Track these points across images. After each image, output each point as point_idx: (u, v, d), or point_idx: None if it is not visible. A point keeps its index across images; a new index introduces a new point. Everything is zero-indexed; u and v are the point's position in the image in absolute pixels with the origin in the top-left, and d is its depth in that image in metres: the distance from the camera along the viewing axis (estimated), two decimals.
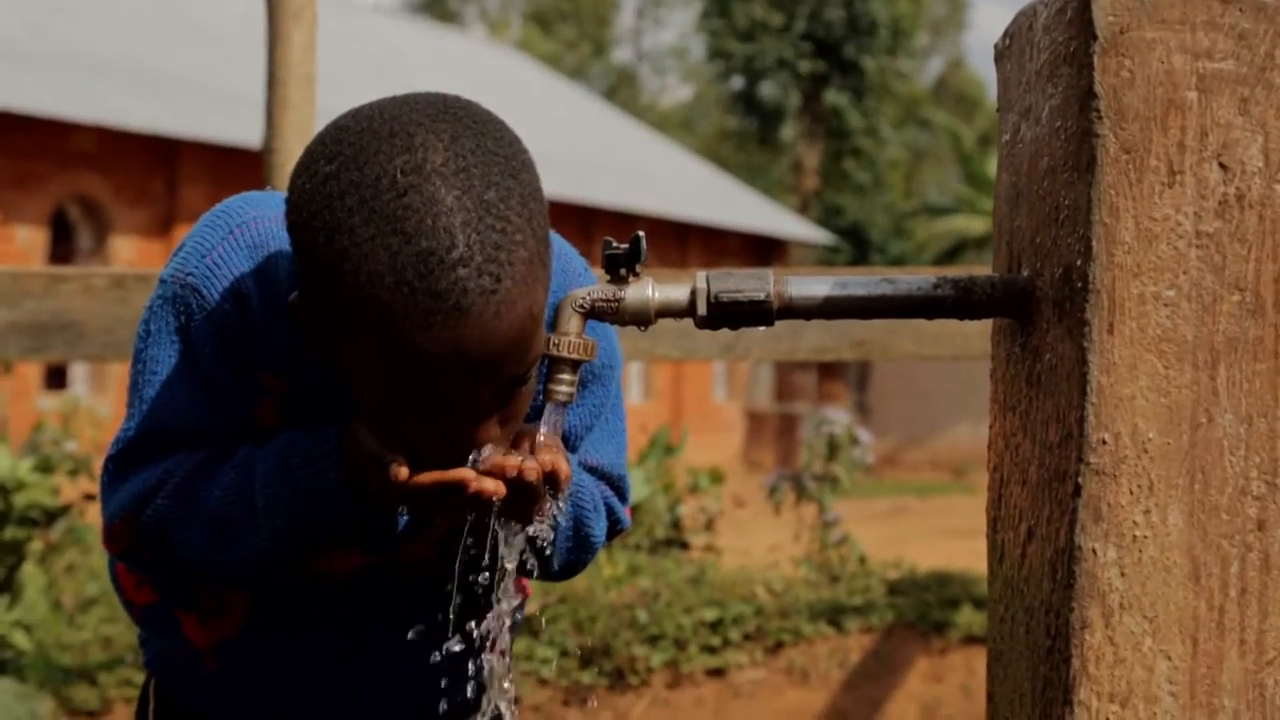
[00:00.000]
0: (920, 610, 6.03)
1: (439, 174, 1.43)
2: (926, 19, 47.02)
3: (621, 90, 50.81)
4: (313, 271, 1.49)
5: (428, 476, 1.50)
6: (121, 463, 1.68)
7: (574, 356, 1.51)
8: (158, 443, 1.66)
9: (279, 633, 1.76)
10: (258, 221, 1.66)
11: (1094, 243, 1.25)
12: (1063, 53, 1.28)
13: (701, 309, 1.44)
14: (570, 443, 1.74)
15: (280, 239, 1.61)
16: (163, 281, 1.66)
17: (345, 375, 1.54)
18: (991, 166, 32.77)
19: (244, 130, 17.52)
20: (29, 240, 17.52)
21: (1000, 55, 1.47)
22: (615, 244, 1.48)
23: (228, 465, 1.63)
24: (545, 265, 1.49)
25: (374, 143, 1.45)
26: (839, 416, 8.93)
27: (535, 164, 1.53)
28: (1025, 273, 1.39)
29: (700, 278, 1.45)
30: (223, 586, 1.74)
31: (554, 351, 1.51)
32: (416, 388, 1.48)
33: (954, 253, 32.88)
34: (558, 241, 1.69)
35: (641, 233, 1.49)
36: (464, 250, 1.41)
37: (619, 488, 1.80)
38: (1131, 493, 1.26)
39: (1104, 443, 1.26)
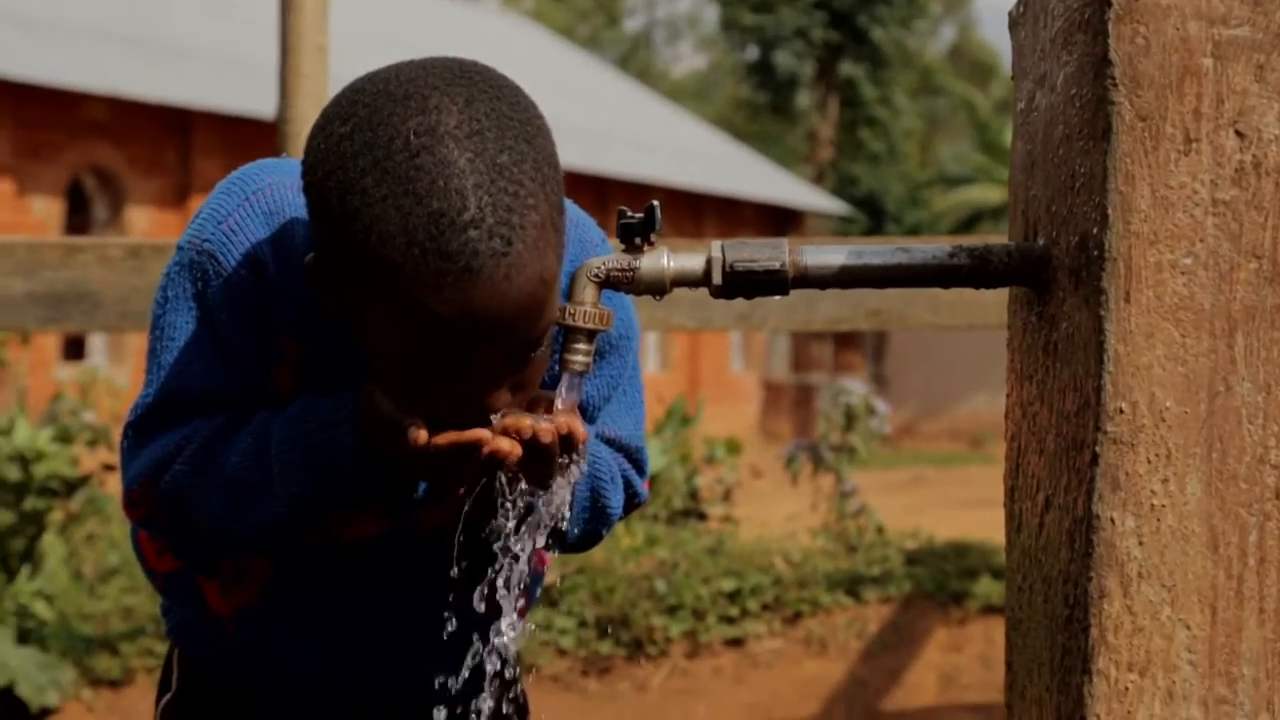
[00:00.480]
0: (938, 580, 6.03)
1: (452, 136, 1.43)
2: None
3: (635, 59, 50.71)
4: (327, 232, 1.49)
5: (444, 438, 1.50)
6: (140, 429, 1.68)
7: (590, 326, 1.51)
8: (176, 408, 1.67)
9: (298, 599, 1.77)
10: (273, 188, 1.67)
11: (1110, 211, 1.25)
12: (1077, 20, 1.28)
13: (717, 278, 1.44)
14: (588, 414, 1.73)
15: (296, 205, 1.62)
16: (180, 248, 1.67)
17: (360, 338, 1.55)
18: (1007, 135, 32.67)
19: (257, 100, 17.51)
20: (45, 211, 17.54)
21: (1015, 22, 1.46)
22: (630, 213, 1.48)
23: (245, 431, 1.63)
24: (558, 230, 1.49)
25: (389, 105, 1.45)
26: (856, 387, 8.92)
27: (551, 130, 1.52)
28: (1041, 241, 1.39)
29: (715, 247, 1.45)
30: (243, 553, 1.74)
31: (569, 321, 1.51)
32: (428, 350, 1.48)
33: (970, 222, 32.78)
34: (574, 211, 1.70)
35: (656, 202, 1.49)
36: (475, 212, 1.41)
37: (636, 460, 1.80)
38: (1149, 461, 1.26)
39: (1121, 411, 1.25)
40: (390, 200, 1.42)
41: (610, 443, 1.76)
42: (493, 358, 1.49)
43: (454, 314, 1.44)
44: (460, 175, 1.42)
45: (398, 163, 1.42)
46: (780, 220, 28.06)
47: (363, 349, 1.56)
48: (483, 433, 1.49)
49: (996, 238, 1.60)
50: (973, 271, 1.41)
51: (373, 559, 1.75)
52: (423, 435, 1.49)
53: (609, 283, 1.48)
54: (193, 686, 1.88)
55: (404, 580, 1.77)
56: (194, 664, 1.87)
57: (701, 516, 7.87)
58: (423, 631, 1.75)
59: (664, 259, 1.47)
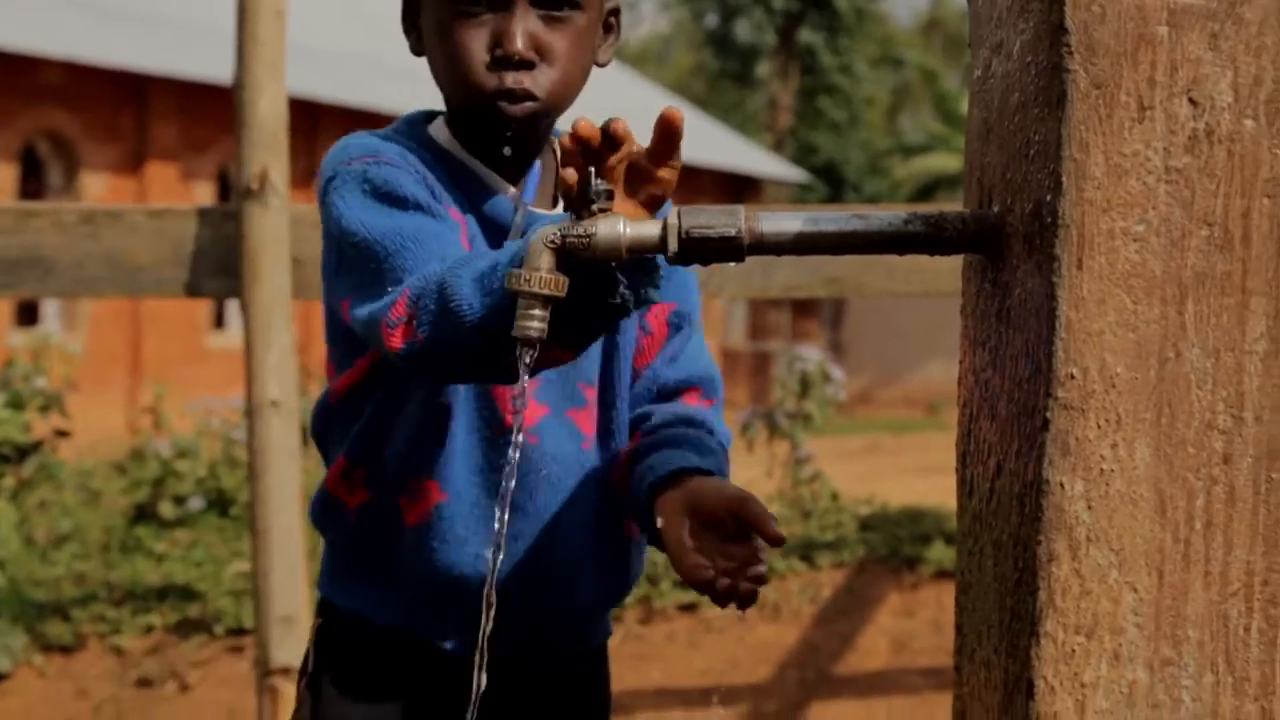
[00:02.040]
0: (891, 545, 6.06)
1: None
2: None
3: None
4: None
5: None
6: (377, 277, 1.76)
7: (545, 292, 1.51)
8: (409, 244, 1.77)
9: (474, 509, 1.90)
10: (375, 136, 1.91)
11: (1064, 178, 1.25)
12: None
13: (673, 245, 1.44)
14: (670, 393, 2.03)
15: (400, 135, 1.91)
16: (342, 172, 1.84)
17: (427, 36, 1.87)
18: (966, 105, 32.73)
19: (215, 66, 17.41)
20: None
21: None
22: (594, 181, 1.49)
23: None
24: None
25: None
26: (812, 354, 8.95)
27: None
28: (996, 208, 1.39)
29: (671, 214, 1.45)
30: (418, 476, 1.89)
31: (524, 287, 1.51)
32: None
33: (929, 191, 32.86)
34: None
35: (601, 178, 1.50)
36: None
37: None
38: (1099, 427, 1.27)
39: (1072, 377, 1.26)
40: None
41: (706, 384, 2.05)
42: None
43: None
44: None
45: None
46: (739, 188, 28.08)
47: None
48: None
49: (953, 205, 1.61)
50: (928, 238, 1.41)
51: (535, 466, 1.91)
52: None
53: (565, 249, 1.49)
54: (337, 660, 1.98)
55: (563, 489, 1.94)
56: (346, 631, 1.97)
57: None
58: (576, 543, 1.95)
59: (620, 225, 1.47)
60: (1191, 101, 1.25)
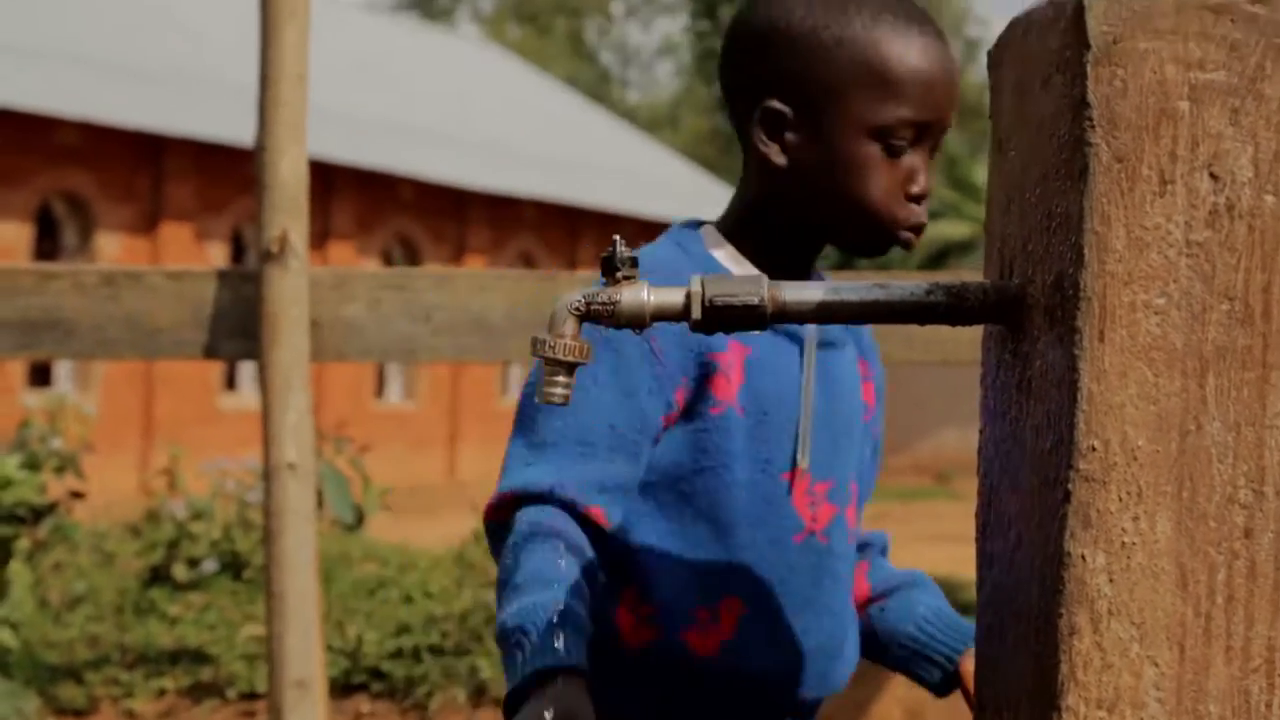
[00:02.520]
0: None
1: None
2: (940, 19, 47.07)
3: (609, 89, 50.83)
4: (806, 52, 1.90)
5: None
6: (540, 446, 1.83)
7: (570, 359, 1.51)
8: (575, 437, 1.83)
9: (769, 620, 1.95)
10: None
11: (1085, 251, 1.26)
12: (1056, 61, 1.30)
13: (696, 313, 1.45)
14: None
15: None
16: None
17: (829, 155, 1.90)
18: (977, 173, 32.80)
19: (230, 127, 17.51)
20: (14, 236, 17.50)
21: (994, 63, 1.48)
22: (620, 245, 1.50)
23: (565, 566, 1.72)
24: None
25: None
26: None
27: None
28: (1017, 280, 1.40)
29: (695, 281, 1.46)
30: (716, 596, 1.91)
31: (549, 354, 1.52)
32: (897, 111, 1.86)
33: (940, 257, 32.89)
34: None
35: (618, 237, 1.52)
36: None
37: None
38: (1121, 499, 1.27)
39: (1094, 449, 1.27)
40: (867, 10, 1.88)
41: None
42: (936, 131, 1.89)
43: (926, 64, 1.86)
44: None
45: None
46: None
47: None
48: None
49: (966, 272, 1.63)
50: (949, 309, 1.42)
51: (827, 566, 2.00)
52: None
53: (589, 316, 1.50)
54: None
55: (845, 585, 2.06)
56: None
57: None
58: (845, 628, 2.06)
59: (644, 293, 1.48)
60: (1212, 176, 1.26)
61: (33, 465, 5.90)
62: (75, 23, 19.95)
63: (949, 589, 6.21)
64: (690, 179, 30.29)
